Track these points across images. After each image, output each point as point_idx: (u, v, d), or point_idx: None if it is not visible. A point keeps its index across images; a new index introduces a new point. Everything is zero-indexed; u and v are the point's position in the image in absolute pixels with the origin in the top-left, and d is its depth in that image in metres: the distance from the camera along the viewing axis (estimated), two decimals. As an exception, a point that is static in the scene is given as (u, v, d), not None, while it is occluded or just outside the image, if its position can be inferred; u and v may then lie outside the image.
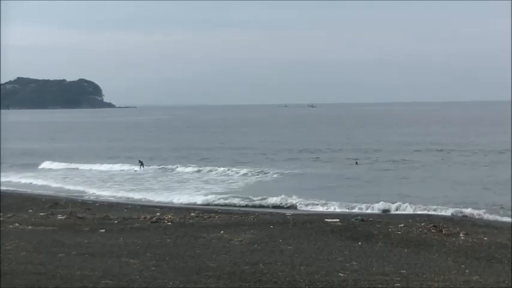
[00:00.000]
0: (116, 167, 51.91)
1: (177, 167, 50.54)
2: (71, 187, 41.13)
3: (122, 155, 61.26)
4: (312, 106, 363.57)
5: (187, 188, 39.97)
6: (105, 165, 52.85)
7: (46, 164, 54.43)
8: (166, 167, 51.02)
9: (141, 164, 50.83)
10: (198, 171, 48.44)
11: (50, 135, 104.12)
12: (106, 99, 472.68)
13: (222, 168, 48.40)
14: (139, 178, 45.31)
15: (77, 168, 51.99)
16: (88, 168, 52.01)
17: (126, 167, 51.69)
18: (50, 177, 46.33)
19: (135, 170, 49.95)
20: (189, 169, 49.46)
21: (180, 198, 34.84)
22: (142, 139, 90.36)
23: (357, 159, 53.40)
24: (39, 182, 43.91)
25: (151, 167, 51.17)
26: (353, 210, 29.57)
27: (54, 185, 42.48)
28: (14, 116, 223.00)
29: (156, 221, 22.28)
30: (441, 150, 60.82)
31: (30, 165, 53.98)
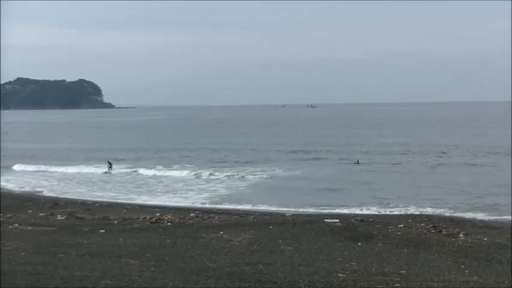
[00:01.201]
0: (86, 169, 51.13)
1: (140, 170, 49.30)
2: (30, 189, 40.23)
3: (98, 157, 60.23)
4: (312, 107, 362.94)
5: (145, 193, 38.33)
6: (75, 167, 52.37)
7: (18, 167, 53.26)
8: (137, 169, 49.65)
9: (110, 165, 50.07)
10: (167, 175, 46.70)
11: (36, 137, 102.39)
12: (106, 100, 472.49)
13: (200, 171, 47.15)
14: (95, 181, 44.38)
15: (47, 171, 51.17)
16: (58, 170, 51.07)
17: (96, 169, 50.76)
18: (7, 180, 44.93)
19: (105, 172, 49.19)
20: (156, 172, 48.06)
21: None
22: (129, 139, 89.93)
23: (358, 159, 53.47)
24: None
25: (123, 170, 49.78)
26: (353, 211, 29.55)
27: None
28: (11, 117, 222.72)
29: (156, 222, 22.27)
30: (441, 152, 60.84)
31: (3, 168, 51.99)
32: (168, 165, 51.95)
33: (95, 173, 49.42)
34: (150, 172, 48.20)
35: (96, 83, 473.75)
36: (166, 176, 46.01)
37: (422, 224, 21.96)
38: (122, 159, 58.03)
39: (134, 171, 49.13)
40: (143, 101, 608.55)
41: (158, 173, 47.57)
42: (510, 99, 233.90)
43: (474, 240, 18.99)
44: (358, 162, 51.77)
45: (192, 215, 24.89)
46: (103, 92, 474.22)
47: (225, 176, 45.06)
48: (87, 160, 58.38)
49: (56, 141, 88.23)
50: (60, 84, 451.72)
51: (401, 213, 28.62)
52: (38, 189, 39.98)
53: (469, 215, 28.46)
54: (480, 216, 28.10)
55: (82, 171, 50.16)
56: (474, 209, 29.87)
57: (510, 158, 51.11)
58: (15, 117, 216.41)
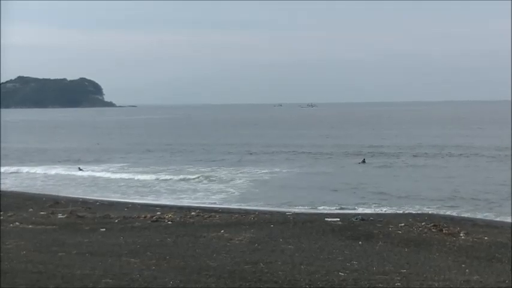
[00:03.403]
0: (53, 171, 49.17)
1: (136, 170, 47.97)
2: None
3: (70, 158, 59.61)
4: (312, 106, 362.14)
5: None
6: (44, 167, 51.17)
7: None
8: (133, 170, 48.12)
9: (80, 170, 49.01)
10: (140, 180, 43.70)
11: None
12: (107, 99, 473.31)
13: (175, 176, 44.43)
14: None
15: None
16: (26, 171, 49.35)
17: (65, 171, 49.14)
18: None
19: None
20: (152, 174, 45.80)
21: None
22: (124, 139, 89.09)
23: (364, 158, 53.39)
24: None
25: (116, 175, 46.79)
26: (353, 210, 29.51)
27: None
28: (11, 115, 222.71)
29: (157, 220, 22.27)
30: (441, 151, 60.82)
31: None
32: (165, 166, 51.50)
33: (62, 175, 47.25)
34: (146, 174, 46.16)
35: (97, 82, 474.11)
36: (164, 177, 44.40)
37: (423, 223, 21.94)
38: (110, 159, 57.72)
39: (130, 172, 47.44)
40: (144, 100, 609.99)
41: (155, 176, 45.27)
42: (510, 99, 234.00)
43: (475, 239, 18.98)
44: (364, 161, 51.70)
45: (192, 213, 24.87)
46: (104, 91, 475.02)
47: (225, 175, 44.86)
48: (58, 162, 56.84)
49: (26, 142, 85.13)
50: (61, 83, 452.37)
51: (402, 212, 28.57)
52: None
53: (469, 214, 28.40)
54: (481, 215, 28.03)
55: (48, 173, 48.10)
56: (475, 208, 29.83)
57: (510, 158, 51.03)
58: (16, 116, 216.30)
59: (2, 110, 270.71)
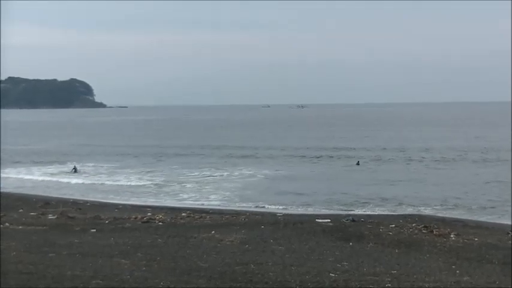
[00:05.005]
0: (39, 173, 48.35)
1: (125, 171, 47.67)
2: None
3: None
4: (302, 107, 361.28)
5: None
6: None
7: None
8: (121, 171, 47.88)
9: (75, 169, 48.83)
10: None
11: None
12: (97, 99, 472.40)
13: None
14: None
15: None
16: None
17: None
18: None
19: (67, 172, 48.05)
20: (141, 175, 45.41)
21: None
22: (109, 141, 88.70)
23: (358, 160, 53.40)
24: None
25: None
26: (344, 211, 29.52)
27: None
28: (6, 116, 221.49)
29: (147, 221, 22.25)
30: (433, 154, 60.99)
31: None
32: (153, 168, 51.17)
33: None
34: (135, 175, 45.96)
35: (92, 82, 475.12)
36: (154, 178, 44.18)
37: (413, 224, 22.01)
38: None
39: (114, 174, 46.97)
40: (141, 101, 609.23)
41: (146, 177, 45.08)
42: (510, 100, 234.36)
43: (465, 240, 19.06)
44: (358, 164, 51.69)
45: (183, 214, 24.84)
46: (95, 92, 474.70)
47: (215, 176, 44.80)
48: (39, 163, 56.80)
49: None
50: (51, 84, 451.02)
51: (393, 213, 28.63)
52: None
53: (460, 215, 28.50)
54: (471, 216, 28.13)
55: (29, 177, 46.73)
56: (465, 210, 29.95)
57: (510, 160, 50.98)
58: (9, 117, 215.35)
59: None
